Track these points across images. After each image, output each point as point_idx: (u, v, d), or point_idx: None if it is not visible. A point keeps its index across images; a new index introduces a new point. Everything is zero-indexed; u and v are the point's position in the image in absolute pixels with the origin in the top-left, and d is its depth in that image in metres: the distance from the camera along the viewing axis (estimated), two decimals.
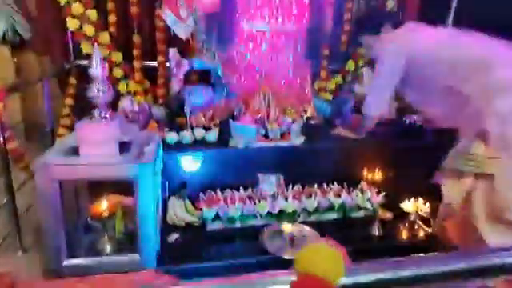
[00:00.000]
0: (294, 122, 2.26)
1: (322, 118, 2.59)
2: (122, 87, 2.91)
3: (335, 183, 2.32)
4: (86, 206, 1.89)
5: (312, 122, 2.44)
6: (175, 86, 2.51)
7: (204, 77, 2.65)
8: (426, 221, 2.17)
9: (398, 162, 2.47)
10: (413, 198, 2.26)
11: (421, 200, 2.25)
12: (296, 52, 2.56)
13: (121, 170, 1.55)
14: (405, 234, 2.11)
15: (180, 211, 2.03)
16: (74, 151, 1.57)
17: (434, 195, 2.33)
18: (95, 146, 1.55)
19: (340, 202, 2.17)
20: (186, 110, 2.23)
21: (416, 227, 2.15)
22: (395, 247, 2.03)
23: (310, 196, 2.17)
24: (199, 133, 2.21)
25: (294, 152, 2.23)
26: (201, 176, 2.15)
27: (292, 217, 2.07)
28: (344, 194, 2.20)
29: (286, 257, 1.81)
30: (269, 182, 2.16)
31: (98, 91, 1.57)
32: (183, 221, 2.03)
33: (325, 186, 2.30)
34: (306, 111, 2.39)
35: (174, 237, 1.94)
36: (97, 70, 1.56)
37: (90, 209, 1.85)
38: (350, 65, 3.27)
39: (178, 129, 2.30)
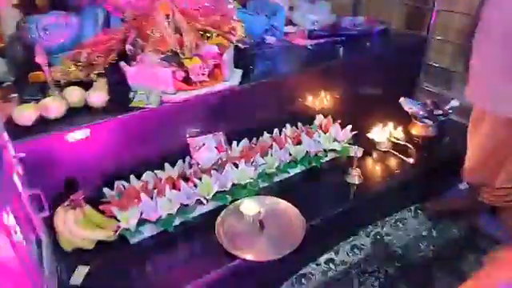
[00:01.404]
0: (222, 52, 1.51)
1: (253, 38, 1.87)
2: None
3: (288, 126, 1.74)
4: None
5: (241, 45, 1.70)
6: (10, 17, 1.47)
7: None
8: (401, 150, 1.77)
9: (352, 80, 1.97)
10: (380, 123, 1.83)
11: (391, 124, 1.83)
12: None
13: None
14: (385, 172, 1.69)
15: (78, 227, 1.25)
16: None
17: (403, 116, 1.96)
18: None
19: (303, 150, 1.62)
20: (40, 57, 1.29)
21: (393, 159, 1.75)
22: (380, 195, 1.61)
23: (266, 153, 1.57)
24: (75, 93, 1.32)
25: (231, 96, 1.53)
26: (97, 163, 1.34)
27: (252, 189, 1.46)
28: (304, 138, 1.65)
29: (259, 258, 1.23)
30: (206, 148, 1.47)
31: None
32: (89, 241, 1.27)
33: (277, 132, 1.71)
34: (233, 32, 1.63)
35: (81, 274, 1.19)
36: None
37: None
38: None
39: (36, 93, 1.37)
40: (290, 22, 2.21)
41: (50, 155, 1.22)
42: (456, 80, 2.57)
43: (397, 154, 1.75)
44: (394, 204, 1.71)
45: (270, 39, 1.99)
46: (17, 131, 1.18)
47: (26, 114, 1.19)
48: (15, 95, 1.37)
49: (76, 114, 1.30)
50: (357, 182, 1.59)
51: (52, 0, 1.66)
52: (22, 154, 1.07)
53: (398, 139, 1.80)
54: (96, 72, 1.40)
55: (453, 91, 2.42)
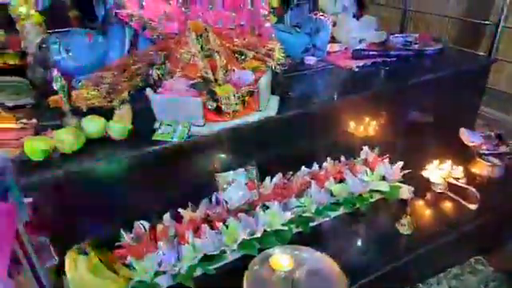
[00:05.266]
0: (258, 77, 1.34)
1: (292, 59, 1.68)
2: None
3: (329, 159, 1.54)
4: None
5: (278, 69, 1.51)
6: (32, 35, 1.38)
7: (85, 12, 1.53)
8: (462, 193, 1.52)
9: (404, 108, 1.74)
10: (436, 160, 1.58)
11: (449, 161, 1.58)
12: None
13: None
14: (441, 221, 1.44)
15: (89, 275, 1.11)
16: None
17: (463, 151, 1.70)
18: None
19: (346, 190, 1.41)
20: (57, 81, 1.17)
21: (451, 204, 1.50)
22: (434, 249, 1.36)
23: (303, 192, 1.37)
24: (94, 123, 1.18)
25: (266, 128, 1.35)
26: (115, 201, 1.20)
27: (285, 237, 1.28)
28: (349, 176, 1.44)
29: None
30: (236, 186, 1.30)
31: None
32: None
33: (316, 167, 1.51)
34: (271, 54, 1.45)
35: None
36: None
37: None
38: None
39: (55, 119, 1.26)
40: (332, 40, 2.00)
41: (63, 194, 1.09)
42: None
43: (456, 197, 1.50)
44: (449, 258, 1.46)
45: (310, 60, 1.79)
46: (27, 166, 1.07)
47: (40, 149, 1.07)
48: (33, 121, 1.27)
49: (94, 147, 1.17)
50: (408, 233, 1.36)
51: (78, 15, 1.57)
52: (29, 199, 0.95)
53: (458, 179, 1.55)
54: (118, 99, 1.27)
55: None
